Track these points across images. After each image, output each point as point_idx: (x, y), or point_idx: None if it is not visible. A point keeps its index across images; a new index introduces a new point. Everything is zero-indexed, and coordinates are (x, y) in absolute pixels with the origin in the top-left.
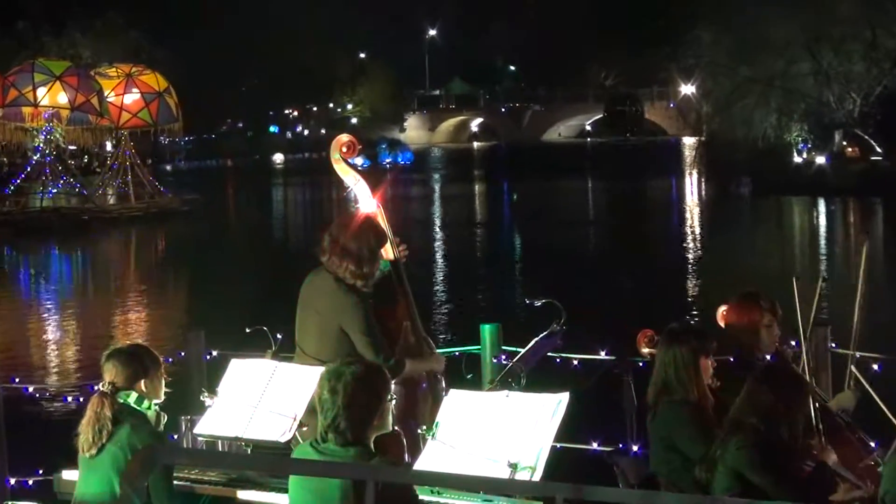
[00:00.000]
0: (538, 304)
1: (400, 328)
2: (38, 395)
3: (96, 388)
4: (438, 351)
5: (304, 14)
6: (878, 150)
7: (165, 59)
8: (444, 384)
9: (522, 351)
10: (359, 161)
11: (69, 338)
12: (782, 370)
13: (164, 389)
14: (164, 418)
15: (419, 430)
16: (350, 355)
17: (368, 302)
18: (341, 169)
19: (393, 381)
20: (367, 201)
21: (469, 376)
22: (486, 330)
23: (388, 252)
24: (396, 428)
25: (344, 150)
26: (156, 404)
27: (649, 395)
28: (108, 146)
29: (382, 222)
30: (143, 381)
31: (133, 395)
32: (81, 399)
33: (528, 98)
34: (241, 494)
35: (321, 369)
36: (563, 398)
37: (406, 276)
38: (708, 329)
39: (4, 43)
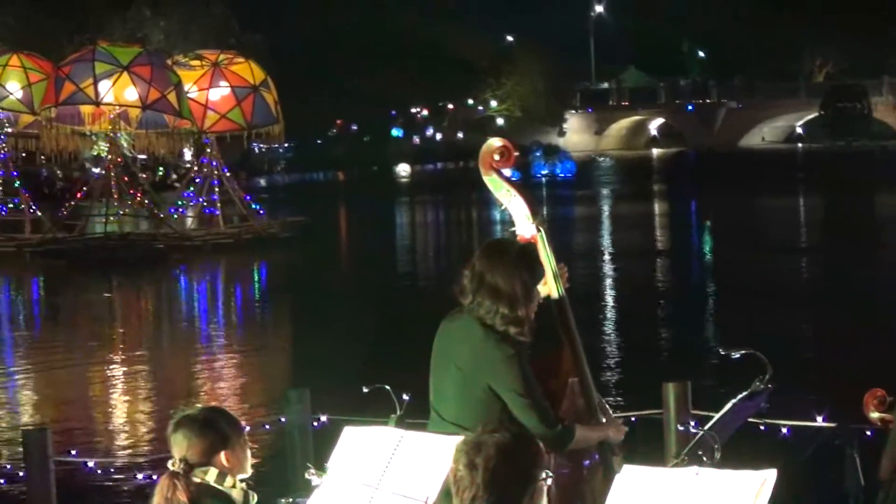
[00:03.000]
0: (736, 355)
1: (564, 387)
2: (100, 471)
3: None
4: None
5: None
6: None
7: (260, 44)
8: (619, 457)
9: (717, 416)
10: (507, 172)
11: (140, 398)
12: None
13: (250, 461)
14: (254, 498)
15: None
16: (500, 421)
17: (526, 354)
18: (493, 182)
19: (552, 454)
20: (524, 223)
21: (648, 448)
22: (671, 389)
23: (551, 288)
24: None
25: (496, 158)
26: (242, 480)
27: (882, 470)
28: (188, 155)
29: (544, 251)
30: (222, 454)
31: (212, 472)
32: (154, 476)
33: (721, 93)
34: None
35: (458, 439)
36: (769, 476)
37: (573, 318)
38: None
39: (53, 22)
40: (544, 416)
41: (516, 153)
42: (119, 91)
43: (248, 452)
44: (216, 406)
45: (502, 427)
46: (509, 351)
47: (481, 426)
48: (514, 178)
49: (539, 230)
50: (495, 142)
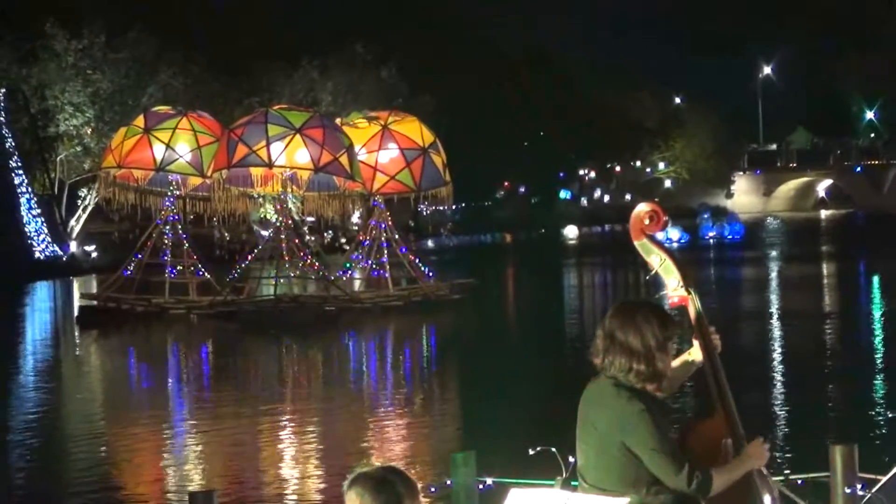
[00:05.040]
0: None
1: (717, 449)
2: None
3: None
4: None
5: (599, 48)
6: None
7: (428, 106)
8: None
9: (884, 478)
10: (675, 235)
11: (307, 459)
12: None
13: None
14: None
15: None
16: (640, 483)
17: (659, 409)
18: (643, 247)
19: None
20: (675, 286)
21: None
22: (838, 452)
23: (703, 351)
24: None
25: (646, 222)
26: None
27: None
28: (355, 217)
29: (696, 313)
30: None
31: None
32: None
33: (890, 153)
34: None
35: (624, 501)
36: None
37: (726, 377)
38: None
39: (222, 85)
40: (678, 468)
41: (666, 217)
42: (291, 153)
43: None
44: (395, 466)
45: (665, 489)
46: (639, 406)
47: (646, 488)
48: (680, 241)
49: (690, 293)
50: (644, 206)
